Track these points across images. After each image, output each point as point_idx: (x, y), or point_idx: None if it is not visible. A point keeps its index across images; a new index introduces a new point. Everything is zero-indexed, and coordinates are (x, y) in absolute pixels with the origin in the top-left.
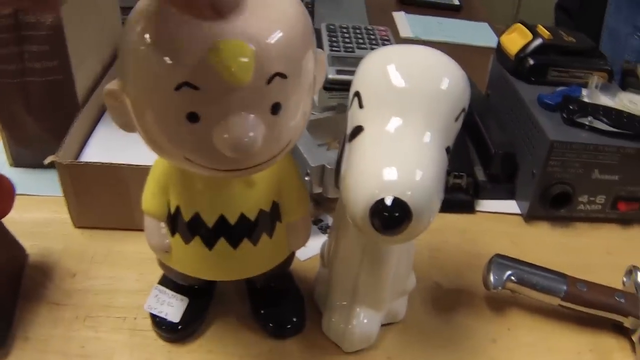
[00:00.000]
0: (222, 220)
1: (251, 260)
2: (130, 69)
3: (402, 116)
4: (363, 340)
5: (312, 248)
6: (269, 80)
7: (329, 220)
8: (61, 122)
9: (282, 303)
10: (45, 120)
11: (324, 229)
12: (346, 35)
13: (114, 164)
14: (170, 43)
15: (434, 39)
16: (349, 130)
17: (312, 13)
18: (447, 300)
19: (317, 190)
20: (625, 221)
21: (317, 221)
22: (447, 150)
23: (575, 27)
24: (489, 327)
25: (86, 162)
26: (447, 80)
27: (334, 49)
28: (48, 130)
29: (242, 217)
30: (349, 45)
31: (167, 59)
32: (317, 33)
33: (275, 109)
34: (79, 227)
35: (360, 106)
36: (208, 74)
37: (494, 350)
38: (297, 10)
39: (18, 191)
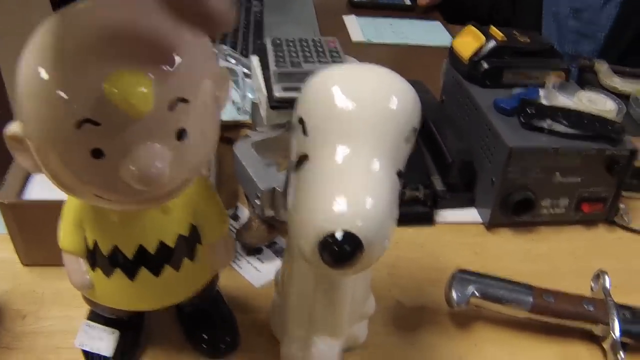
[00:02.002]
0: (141, 250)
1: (175, 286)
2: (28, 109)
3: (348, 143)
4: None
5: (266, 273)
6: (171, 107)
7: (283, 243)
8: (1, 158)
9: (214, 324)
10: None
11: (278, 252)
12: (292, 49)
13: (59, 201)
14: (65, 78)
15: (386, 41)
16: (294, 158)
17: (260, 22)
18: (410, 319)
19: (269, 213)
20: (589, 222)
21: (270, 244)
22: (399, 174)
23: (515, 12)
24: (455, 345)
25: (29, 200)
26: (394, 101)
27: (280, 64)
28: None
29: (162, 245)
30: (295, 60)
31: (64, 96)
32: (263, 48)
33: (181, 135)
34: (27, 265)
35: (305, 133)
36: (108, 108)
37: None
38: (193, 31)
39: None
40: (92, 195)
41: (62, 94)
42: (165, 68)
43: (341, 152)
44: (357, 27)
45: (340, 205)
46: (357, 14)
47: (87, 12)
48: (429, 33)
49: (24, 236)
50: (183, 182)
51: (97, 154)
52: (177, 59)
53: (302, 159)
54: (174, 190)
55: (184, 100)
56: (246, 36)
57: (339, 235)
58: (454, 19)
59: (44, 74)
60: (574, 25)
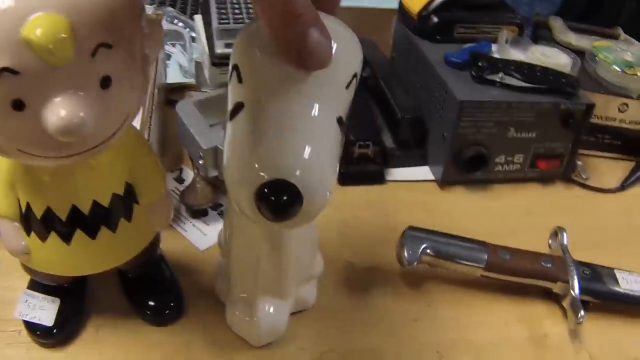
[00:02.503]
0: (75, 210)
1: (113, 249)
2: None
3: (286, 90)
4: (271, 333)
5: (211, 236)
6: (93, 53)
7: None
8: None
9: (158, 289)
10: None
11: (222, 214)
12: (236, 6)
13: None
14: None
15: None
16: (229, 107)
17: None
18: (362, 280)
19: (213, 173)
20: (545, 179)
21: (215, 206)
22: (340, 121)
23: None
24: (408, 306)
25: None
26: (335, 45)
27: (222, 21)
28: None
29: (95, 204)
30: (239, 16)
31: None
32: (206, 4)
33: (105, 82)
34: None
35: (239, 80)
36: (27, 56)
37: (416, 329)
38: None
39: None
40: (15, 150)
41: None
42: (85, 12)
43: (277, 98)
44: None
45: (276, 153)
46: None
47: None
48: None
49: None
50: (110, 135)
51: (17, 105)
52: (100, 3)
53: (237, 107)
54: (101, 144)
55: (107, 46)
56: None
57: (275, 185)
58: None
59: None
60: None
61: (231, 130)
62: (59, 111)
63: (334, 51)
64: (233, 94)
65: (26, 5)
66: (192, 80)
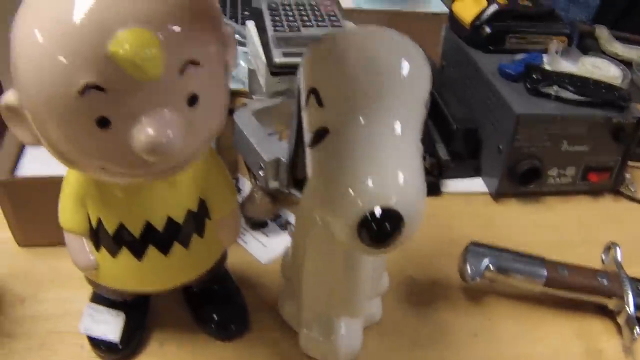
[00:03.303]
0: (148, 227)
1: (184, 265)
2: (25, 75)
3: (371, 112)
4: (349, 352)
5: (272, 249)
6: (182, 70)
7: (289, 215)
8: None
9: (223, 303)
10: None
11: (283, 225)
12: (289, 13)
13: (54, 177)
14: (65, 40)
15: (377, 7)
16: (308, 132)
17: None
18: (423, 294)
19: (273, 185)
20: (595, 192)
21: (275, 217)
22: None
23: None
24: (469, 320)
25: (24, 177)
26: (412, 64)
27: (277, 29)
28: None
29: (170, 221)
30: (293, 24)
31: (64, 60)
32: (258, 13)
33: (192, 100)
34: (23, 246)
35: (320, 104)
36: (113, 72)
37: (477, 344)
38: None
39: None
40: (98, 168)
41: (63, 58)
42: (175, 28)
43: (367, 123)
44: None
45: (374, 180)
46: None
47: None
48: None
49: (19, 215)
50: (194, 152)
51: (102, 123)
52: (187, 18)
53: (321, 132)
54: (185, 162)
55: (195, 63)
56: (234, 3)
57: (378, 213)
58: None
59: (41, 36)
60: None
61: (318, 157)
62: (147, 130)
63: (414, 70)
64: (313, 119)
65: (113, 20)
66: (241, 86)
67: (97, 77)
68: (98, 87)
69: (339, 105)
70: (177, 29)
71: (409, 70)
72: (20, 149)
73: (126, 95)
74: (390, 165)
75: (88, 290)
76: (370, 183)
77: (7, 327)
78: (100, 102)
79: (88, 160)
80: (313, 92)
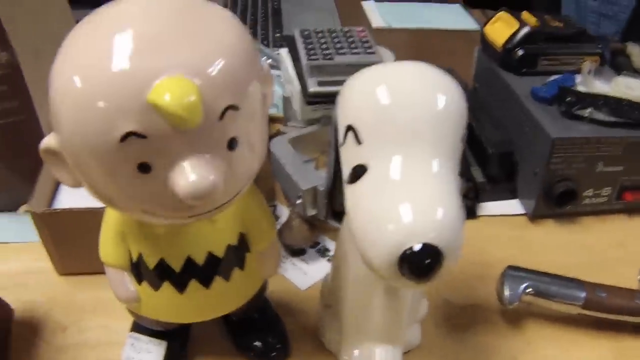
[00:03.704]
0: (189, 262)
1: (226, 297)
2: (65, 122)
3: (409, 148)
4: None
5: (311, 275)
6: (221, 116)
7: (327, 242)
8: (30, 164)
9: (263, 331)
10: (13, 163)
11: (321, 252)
12: (322, 40)
13: (92, 208)
14: (106, 87)
15: (407, 26)
16: (347, 168)
17: (278, 11)
18: (461, 318)
19: (311, 212)
20: (632, 211)
21: (314, 245)
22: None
23: None
24: (509, 344)
25: (62, 208)
26: (449, 100)
27: (311, 57)
28: (17, 173)
29: (210, 256)
30: (327, 51)
31: (104, 107)
32: (291, 40)
33: (232, 144)
34: (63, 275)
35: (358, 142)
36: (154, 119)
37: None
38: (237, 31)
39: None
40: (140, 210)
41: (103, 106)
42: (214, 75)
43: (403, 157)
44: (376, 12)
45: (415, 217)
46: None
47: (124, 16)
48: (450, 17)
49: (58, 245)
50: (235, 194)
51: (144, 168)
52: (227, 64)
53: (360, 169)
54: (227, 203)
55: (234, 108)
56: (265, 26)
57: (417, 248)
58: (474, 2)
59: (81, 83)
60: (594, 5)
61: (357, 194)
62: (188, 175)
63: (451, 106)
64: (350, 156)
65: (152, 69)
66: (274, 112)
67: (137, 125)
68: (139, 135)
69: (376, 143)
70: (216, 75)
71: (446, 105)
72: (58, 181)
73: (167, 142)
74: (428, 201)
75: (129, 319)
76: (409, 219)
77: (50, 355)
78: (141, 149)
79: (130, 203)
80: (351, 129)
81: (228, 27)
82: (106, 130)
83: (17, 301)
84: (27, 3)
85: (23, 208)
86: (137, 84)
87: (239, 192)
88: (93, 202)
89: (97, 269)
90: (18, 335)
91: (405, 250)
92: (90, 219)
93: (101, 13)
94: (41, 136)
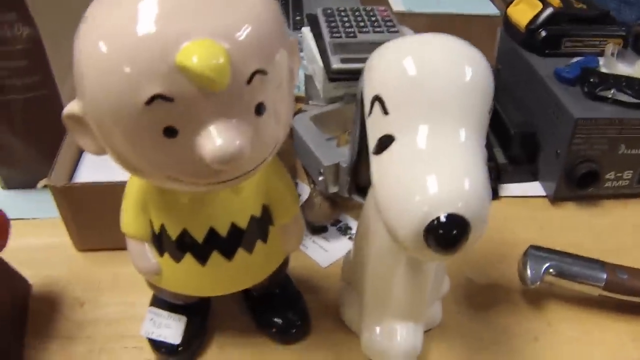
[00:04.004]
0: (212, 233)
1: (248, 270)
2: (90, 86)
3: (436, 119)
4: (411, 355)
5: (333, 253)
6: (249, 80)
7: (348, 220)
8: (50, 139)
9: (284, 308)
10: (33, 139)
11: (343, 230)
12: (345, 19)
13: (112, 183)
14: (132, 51)
15: (428, 10)
16: (373, 139)
17: None
18: (482, 297)
19: (333, 189)
20: None
21: (335, 222)
22: (485, 146)
23: None
24: (529, 324)
25: (82, 183)
26: (475, 70)
27: (334, 35)
28: (37, 149)
29: (233, 227)
30: (350, 30)
31: (131, 70)
32: (314, 19)
33: (260, 109)
34: (82, 251)
35: (385, 112)
36: (181, 82)
37: (537, 348)
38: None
39: (11, 215)
40: (164, 177)
41: (129, 69)
42: (242, 39)
43: (430, 127)
44: None
45: (441, 187)
46: None
47: None
48: (470, 2)
49: (77, 221)
50: (261, 161)
51: (170, 132)
52: (255, 29)
53: (386, 140)
54: (252, 170)
55: (262, 72)
56: (286, 8)
57: (444, 219)
58: None
59: (107, 48)
60: None
61: (383, 165)
62: (215, 140)
63: (479, 77)
64: (376, 127)
65: (180, 32)
66: (296, 92)
67: (164, 88)
68: (165, 97)
69: (403, 113)
70: (244, 40)
71: (473, 77)
72: (78, 156)
73: (193, 105)
74: (455, 172)
75: (147, 295)
76: (436, 189)
77: (68, 330)
78: (167, 112)
79: (154, 169)
80: (377, 99)
81: None
82: (132, 94)
83: (35, 276)
84: None
85: (42, 183)
86: (165, 46)
87: (264, 160)
88: (112, 177)
89: (115, 245)
90: (36, 310)
91: (432, 221)
92: (110, 194)
93: None
94: (62, 111)
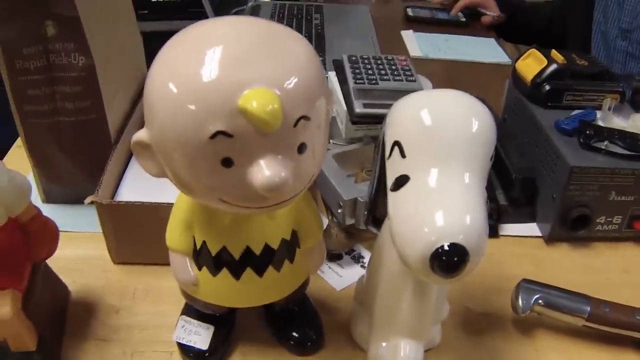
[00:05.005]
0: (247, 251)
1: (275, 286)
2: (159, 120)
3: (445, 163)
4: None
5: (346, 278)
6: (295, 124)
7: (361, 250)
8: (93, 159)
9: (301, 323)
10: (78, 158)
11: (356, 258)
12: (368, 66)
13: (155, 204)
14: (201, 94)
15: (443, 57)
16: (391, 178)
17: (321, 35)
18: (478, 323)
19: (350, 221)
20: (639, 239)
21: (349, 251)
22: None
23: (566, 31)
24: (519, 349)
25: (125, 201)
26: (482, 124)
27: (358, 81)
28: (80, 167)
29: (266, 247)
30: (372, 77)
31: (201, 111)
32: (339, 64)
33: (301, 149)
34: (118, 263)
35: (403, 156)
36: (241, 122)
37: None
38: (311, 54)
39: None
40: (216, 199)
41: (198, 109)
42: (292, 89)
43: (439, 170)
44: (415, 42)
45: (446, 220)
46: (414, 29)
47: (217, 34)
48: (484, 50)
49: (117, 235)
50: (299, 191)
51: (227, 163)
52: (302, 81)
53: (402, 179)
54: (292, 199)
55: (306, 118)
56: None
57: (447, 247)
58: (508, 37)
59: (178, 89)
60: (623, 45)
61: (398, 200)
62: (265, 171)
63: (483, 129)
64: (395, 167)
65: (242, 80)
66: None
67: (226, 126)
68: (226, 134)
69: (418, 157)
70: (293, 89)
71: (478, 129)
72: (119, 177)
73: (249, 141)
74: (459, 208)
75: (177, 306)
76: (441, 222)
77: (103, 333)
78: (227, 146)
79: (209, 192)
80: (397, 144)
81: (303, 49)
82: (199, 130)
83: (74, 283)
84: (102, 15)
85: (89, 199)
86: (229, 92)
87: (301, 191)
88: (150, 199)
89: (150, 259)
90: (74, 314)
91: (437, 249)
92: (149, 213)
93: (195, 29)
94: (107, 135)
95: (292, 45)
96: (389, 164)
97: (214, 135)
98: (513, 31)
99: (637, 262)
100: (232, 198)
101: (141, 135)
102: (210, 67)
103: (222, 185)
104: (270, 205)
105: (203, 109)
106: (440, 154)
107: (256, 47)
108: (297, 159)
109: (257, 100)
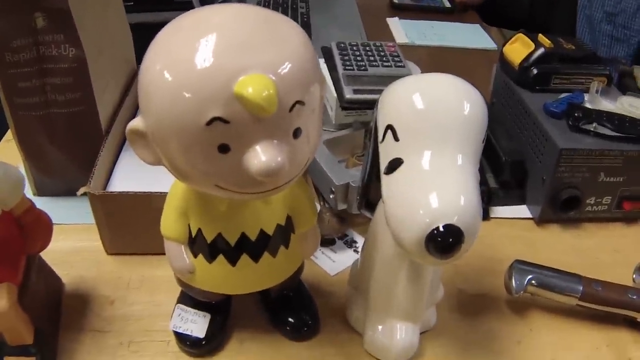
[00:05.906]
0: (243, 237)
1: (271, 271)
2: (155, 107)
3: (438, 146)
4: (408, 352)
5: (339, 263)
6: (291, 109)
7: (354, 235)
8: (84, 151)
9: (297, 308)
10: (69, 149)
11: (349, 243)
12: (357, 53)
13: (147, 193)
14: (197, 81)
15: (429, 43)
16: (384, 161)
17: (307, 24)
18: (472, 305)
19: (342, 206)
20: (629, 219)
21: (342, 236)
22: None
23: (550, 14)
24: (513, 329)
25: (118, 191)
26: (474, 107)
27: (347, 68)
28: (71, 159)
29: (262, 233)
30: (361, 63)
31: (198, 97)
32: (328, 51)
33: (296, 133)
34: (111, 254)
35: (396, 139)
36: (237, 108)
37: (520, 351)
38: (304, 39)
39: None
40: (212, 185)
41: (195, 96)
42: (287, 75)
43: (433, 153)
44: (400, 29)
45: (441, 202)
46: (399, 17)
47: (213, 21)
48: (470, 36)
49: (110, 226)
50: (294, 176)
51: (223, 149)
52: (297, 67)
53: (396, 163)
54: (287, 184)
55: (301, 103)
56: None
57: (442, 229)
58: (492, 21)
59: (174, 77)
60: (608, 29)
61: (392, 183)
62: (261, 156)
63: (476, 112)
64: (388, 151)
65: (238, 66)
66: None
67: (222, 112)
68: (223, 120)
69: (411, 140)
70: (288, 75)
71: (470, 111)
72: (111, 168)
73: (245, 127)
74: (452, 190)
75: (172, 295)
76: (436, 204)
77: (98, 324)
78: (223, 132)
79: (205, 178)
80: (390, 128)
81: (297, 34)
82: (195, 116)
83: (67, 276)
84: (92, 6)
85: (82, 190)
86: (225, 78)
87: (296, 176)
88: (142, 188)
89: (143, 250)
90: (68, 307)
91: (432, 230)
92: (141, 203)
93: (190, 17)
94: (98, 126)
95: (286, 31)
96: (382, 148)
97: (210, 122)
98: (496, 16)
99: (626, 241)
100: (228, 184)
101: (136, 123)
102: (205, 54)
103: (219, 171)
104: (265, 191)
105: (199, 96)
106: (433, 137)
107: (251, 34)
108: (293, 143)
109: (253, 86)
